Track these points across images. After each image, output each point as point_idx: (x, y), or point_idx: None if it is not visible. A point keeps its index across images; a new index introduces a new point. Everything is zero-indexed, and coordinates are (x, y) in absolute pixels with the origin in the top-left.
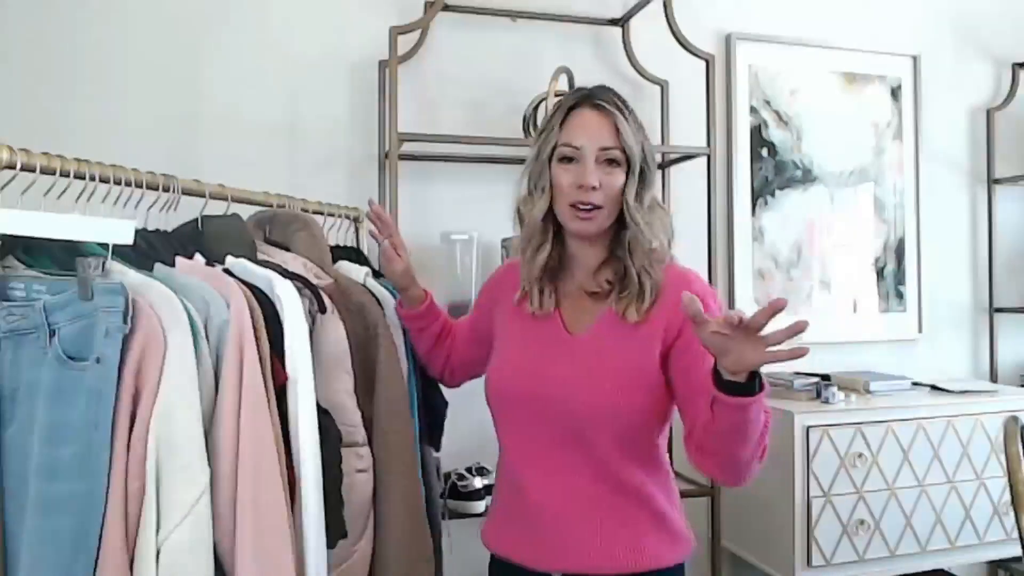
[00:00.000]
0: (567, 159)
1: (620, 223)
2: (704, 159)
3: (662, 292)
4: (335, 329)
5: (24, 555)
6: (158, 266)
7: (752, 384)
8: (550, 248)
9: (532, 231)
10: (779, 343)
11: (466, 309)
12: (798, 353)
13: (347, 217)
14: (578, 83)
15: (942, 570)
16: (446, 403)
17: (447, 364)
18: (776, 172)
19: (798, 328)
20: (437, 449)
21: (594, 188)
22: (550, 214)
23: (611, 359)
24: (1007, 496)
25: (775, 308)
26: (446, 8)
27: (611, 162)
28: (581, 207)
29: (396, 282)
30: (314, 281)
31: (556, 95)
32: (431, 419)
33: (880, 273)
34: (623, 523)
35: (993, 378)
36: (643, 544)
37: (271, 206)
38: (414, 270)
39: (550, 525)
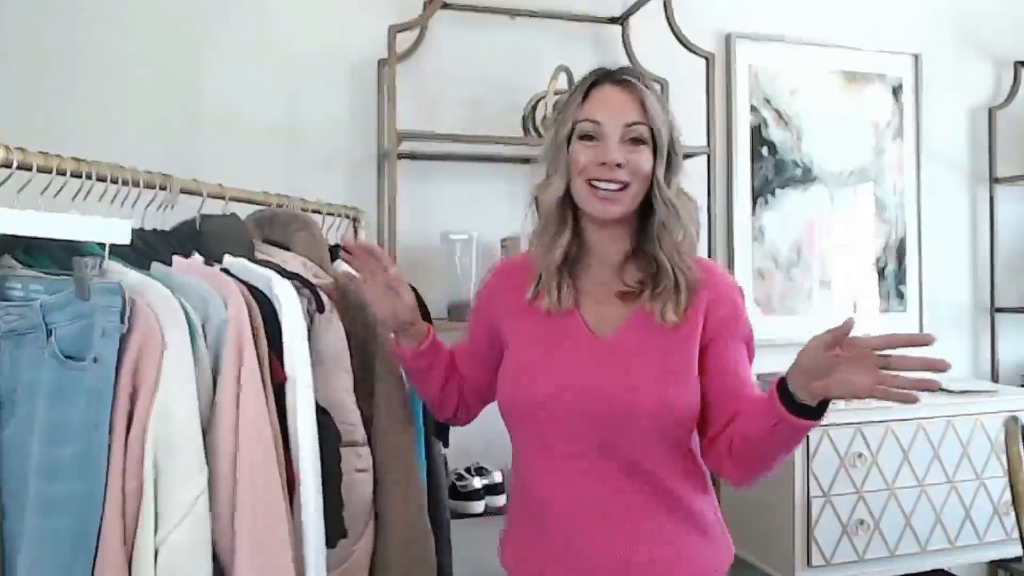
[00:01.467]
0: (587, 137)
1: (644, 213)
2: (704, 158)
3: (698, 290)
4: (334, 328)
5: (24, 555)
6: (156, 265)
7: (821, 407)
8: (569, 237)
9: (548, 217)
10: (910, 368)
11: (467, 309)
12: (910, 397)
13: (347, 217)
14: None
15: (942, 570)
16: None
17: (461, 400)
18: (776, 171)
19: (939, 365)
20: (446, 445)
21: (619, 166)
22: (567, 199)
23: (648, 361)
24: (1007, 496)
25: (909, 340)
26: (445, 6)
27: (636, 140)
28: (602, 184)
29: (402, 318)
30: (313, 280)
31: (556, 94)
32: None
33: (880, 273)
34: (668, 540)
35: (993, 378)
36: (688, 559)
37: (270, 206)
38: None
39: (584, 547)
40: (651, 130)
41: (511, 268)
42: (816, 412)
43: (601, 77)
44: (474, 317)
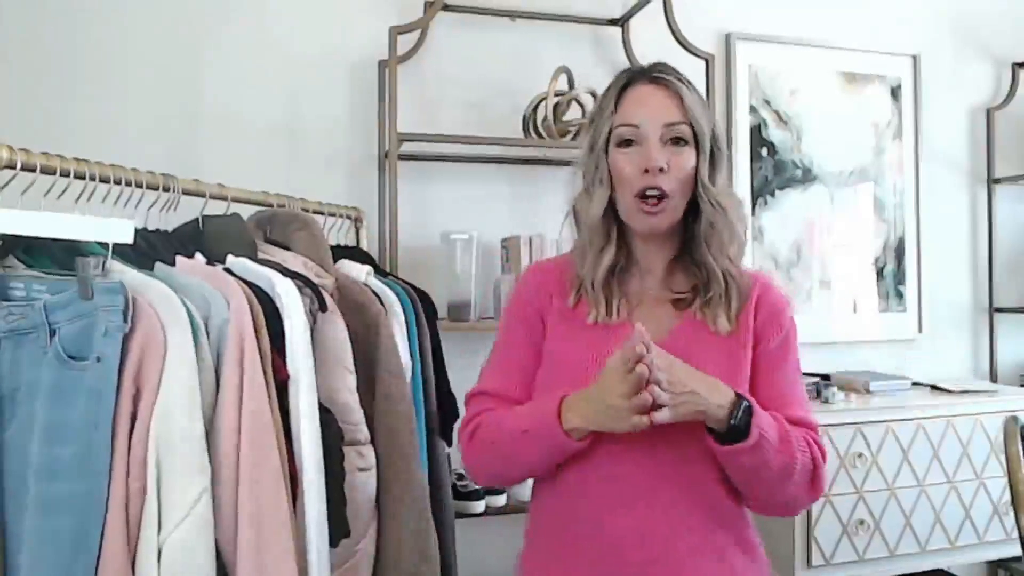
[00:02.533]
0: (627, 142)
1: (690, 216)
2: None
3: (748, 296)
4: (336, 327)
5: (24, 555)
6: (158, 265)
7: (734, 431)
8: (614, 250)
9: (592, 231)
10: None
11: (467, 309)
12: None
13: (347, 217)
14: (578, 83)
15: (942, 570)
16: (454, 398)
17: None
18: (776, 172)
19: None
20: (449, 444)
21: (661, 170)
22: (611, 210)
23: (700, 368)
24: (1007, 496)
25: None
26: (446, 8)
27: (678, 141)
28: (648, 196)
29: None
30: (315, 280)
31: (556, 95)
32: (443, 413)
33: (880, 273)
34: (720, 557)
35: (993, 378)
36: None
37: (271, 206)
38: None
39: (635, 568)
40: (692, 129)
41: (543, 271)
42: (729, 436)
43: (634, 76)
44: (515, 331)
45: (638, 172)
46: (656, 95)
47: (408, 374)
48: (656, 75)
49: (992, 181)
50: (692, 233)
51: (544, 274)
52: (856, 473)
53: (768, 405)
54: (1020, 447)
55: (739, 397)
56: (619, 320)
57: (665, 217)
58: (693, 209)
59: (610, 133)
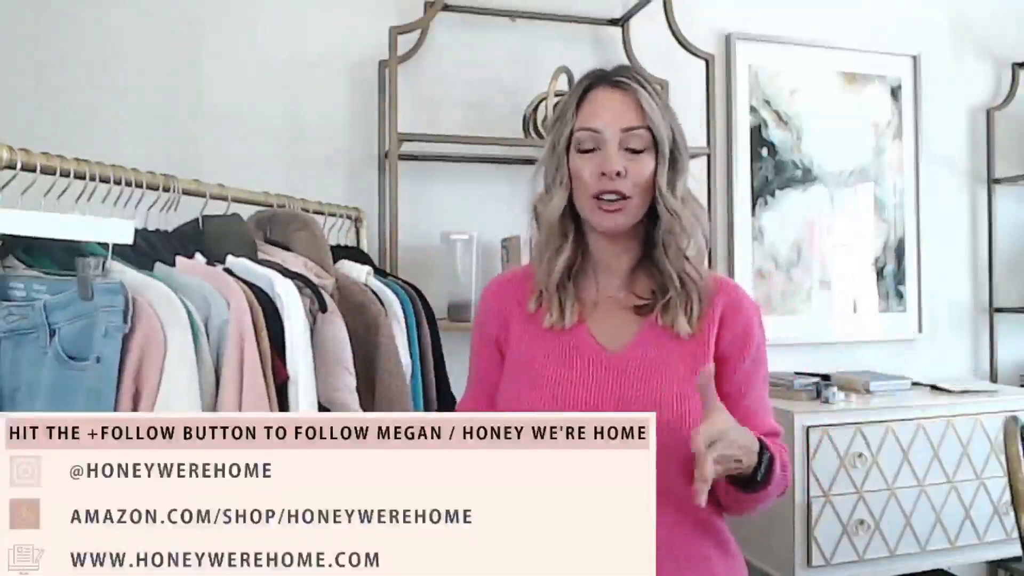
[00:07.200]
0: (586, 148)
1: (651, 219)
2: (704, 159)
3: (711, 301)
4: (336, 327)
5: None
6: (158, 266)
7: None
8: (570, 251)
9: (550, 231)
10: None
11: (467, 309)
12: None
13: (347, 217)
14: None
15: (942, 570)
16: (453, 399)
17: None
18: (776, 172)
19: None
20: None
21: (619, 175)
22: (569, 211)
23: (664, 374)
24: (1007, 496)
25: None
26: (446, 8)
27: (636, 147)
28: (605, 198)
29: None
30: (315, 280)
31: (556, 95)
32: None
33: (880, 273)
34: (698, 559)
35: (993, 378)
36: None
37: (271, 206)
38: None
39: None
40: (651, 134)
41: (503, 284)
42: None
43: (595, 80)
44: (478, 351)
45: (596, 176)
46: (615, 99)
47: (408, 374)
48: (617, 79)
49: (992, 181)
50: (653, 238)
51: (500, 287)
52: (856, 473)
53: (741, 421)
54: (1020, 447)
55: (761, 448)
56: (573, 323)
57: (624, 217)
58: (654, 214)
59: (571, 136)
